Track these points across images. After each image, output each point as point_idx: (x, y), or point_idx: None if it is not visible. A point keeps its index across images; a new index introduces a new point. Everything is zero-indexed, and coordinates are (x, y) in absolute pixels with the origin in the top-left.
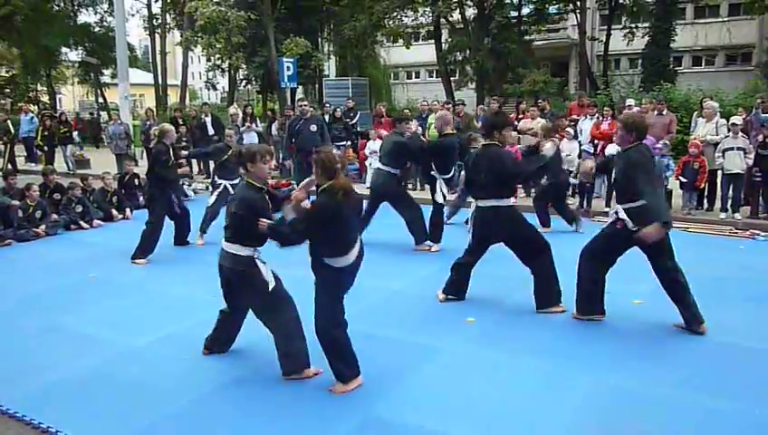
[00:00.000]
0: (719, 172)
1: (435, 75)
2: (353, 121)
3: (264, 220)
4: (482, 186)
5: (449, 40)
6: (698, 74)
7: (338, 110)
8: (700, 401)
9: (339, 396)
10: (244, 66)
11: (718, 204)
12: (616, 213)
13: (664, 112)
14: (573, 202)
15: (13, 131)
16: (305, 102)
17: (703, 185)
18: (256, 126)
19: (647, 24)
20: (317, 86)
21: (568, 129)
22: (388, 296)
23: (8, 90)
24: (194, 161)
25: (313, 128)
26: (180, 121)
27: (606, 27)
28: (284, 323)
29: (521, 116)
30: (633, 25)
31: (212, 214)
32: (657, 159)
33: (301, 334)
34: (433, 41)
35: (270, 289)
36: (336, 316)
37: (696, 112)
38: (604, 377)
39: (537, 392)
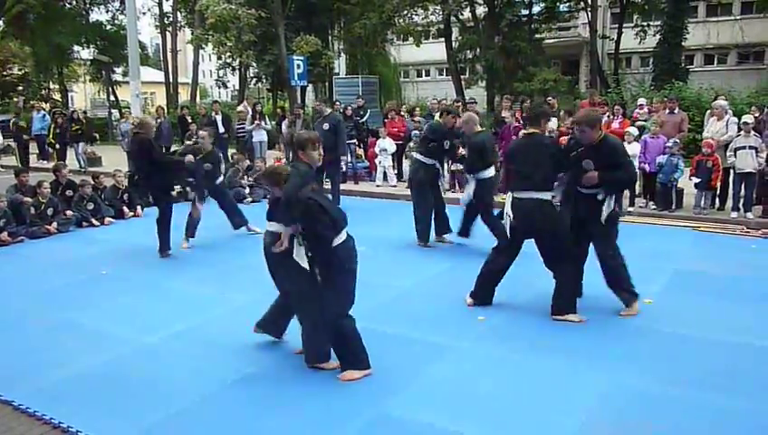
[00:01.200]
0: (731, 171)
1: (445, 73)
2: (363, 120)
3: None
4: (524, 177)
5: (459, 38)
6: (710, 73)
7: (348, 108)
8: (714, 400)
9: (349, 393)
10: (254, 64)
11: (730, 203)
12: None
13: (675, 111)
14: None
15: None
16: (317, 103)
17: (718, 184)
18: (265, 124)
19: (658, 23)
20: (327, 84)
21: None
22: (398, 294)
23: (21, 88)
24: None
25: (326, 126)
26: (189, 120)
27: (617, 25)
28: (314, 312)
29: (524, 114)
30: (645, 23)
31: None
32: (666, 158)
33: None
34: (443, 39)
35: (300, 268)
36: (343, 306)
37: (708, 111)
38: (617, 376)
39: (549, 392)
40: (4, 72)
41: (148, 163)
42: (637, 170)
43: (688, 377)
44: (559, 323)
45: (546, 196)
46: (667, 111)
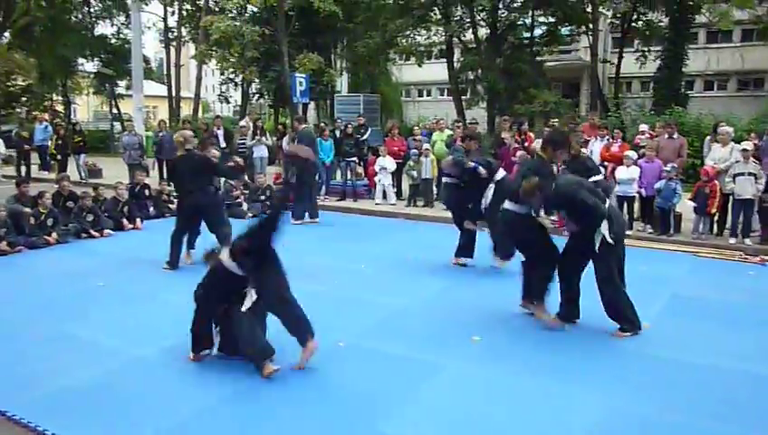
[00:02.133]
0: (730, 197)
1: (446, 93)
2: (364, 138)
3: None
4: (513, 190)
5: (461, 59)
6: (710, 99)
7: (349, 126)
8: (710, 427)
9: (344, 412)
10: (257, 80)
11: (729, 229)
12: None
13: (675, 136)
14: None
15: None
16: (297, 120)
17: (714, 210)
18: (266, 139)
19: (659, 48)
20: (329, 102)
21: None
22: (394, 312)
23: (24, 99)
24: None
25: (296, 142)
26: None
27: (618, 50)
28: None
29: (523, 136)
30: (645, 49)
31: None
32: (664, 183)
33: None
34: (445, 59)
35: None
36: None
37: (708, 137)
38: (612, 400)
39: (543, 414)
40: (9, 83)
41: (207, 177)
42: (635, 194)
43: (684, 403)
44: (553, 345)
45: (522, 209)
46: (666, 135)
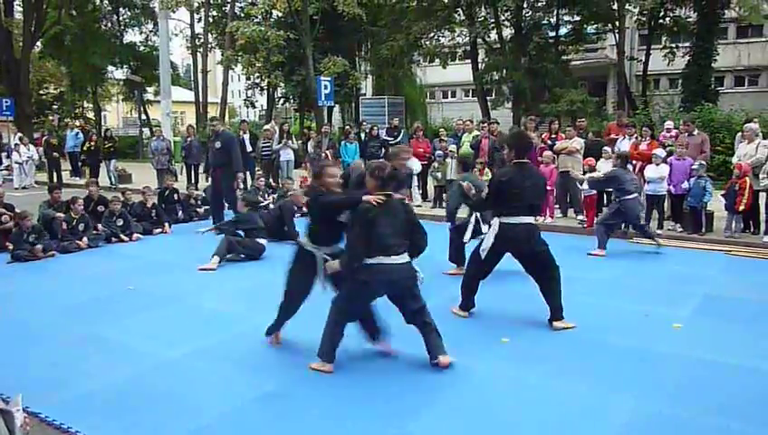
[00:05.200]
0: (762, 194)
1: (471, 95)
2: (397, 140)
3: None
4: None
5: (486, 60)
6: (741, 94)
7: (374, 128)
8: (744, 430)
9: (370, 413)
10: (282, 85)
11: (763, 227)
12: None
13: (695, 133)
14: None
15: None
16: (215, 122)
17: (742, 208)
18: (292, 143)
19: (687, 44)
20: (354, 105)
21: (606, 148)
22: None
23: (56, 106)
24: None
25: (218, 145)
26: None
27: (645, 47)
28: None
29: (554, 136)
30: (673, 45)
31: None
32: (693, 181)
33: None
34: (469, 60)
35: None
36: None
37: (739, 133)
38: (644, 402)
39: (573, 416)
40: (41, 92)
41: None
42: (665, 192)
43: (716, 404)
44: (582, 347)
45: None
46: (686, 133)
